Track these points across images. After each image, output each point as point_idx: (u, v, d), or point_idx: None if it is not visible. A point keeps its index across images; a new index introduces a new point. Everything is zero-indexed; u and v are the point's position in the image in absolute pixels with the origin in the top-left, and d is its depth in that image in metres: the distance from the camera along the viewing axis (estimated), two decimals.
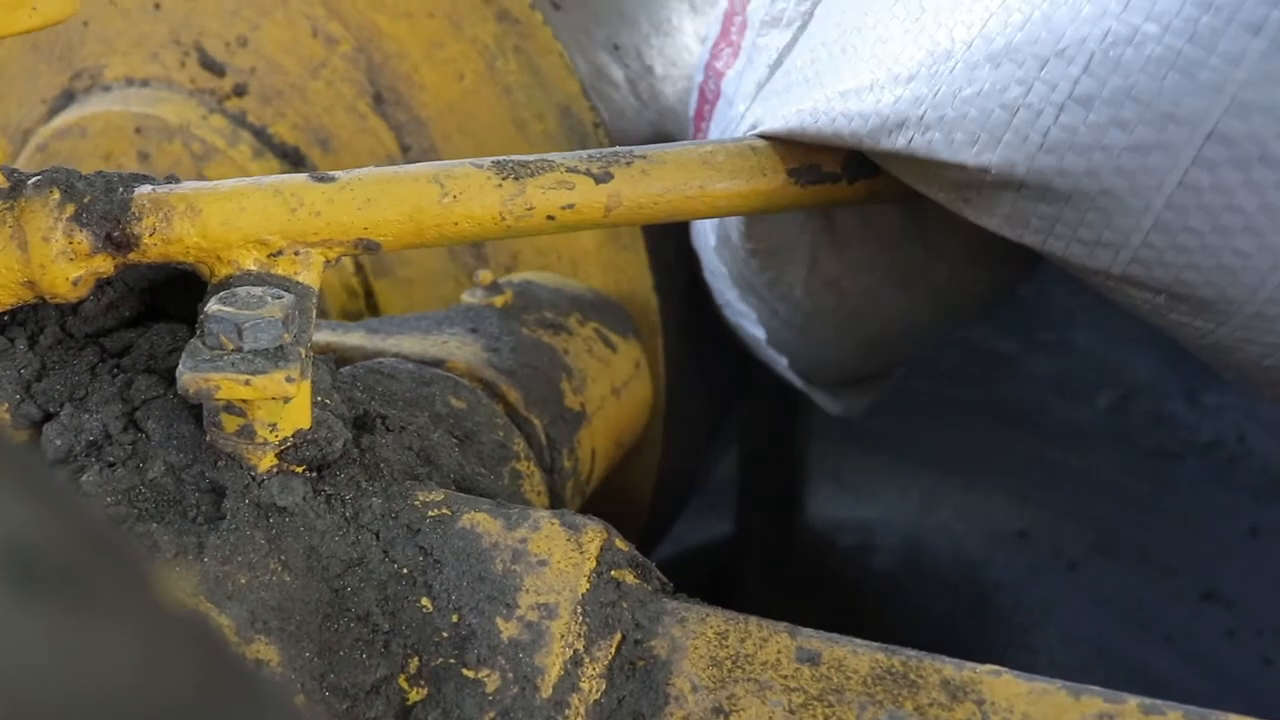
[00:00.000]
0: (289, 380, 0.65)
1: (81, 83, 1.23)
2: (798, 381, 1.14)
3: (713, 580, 1.62)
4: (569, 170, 0.79)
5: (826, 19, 0.92)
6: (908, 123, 0.79)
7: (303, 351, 0.67)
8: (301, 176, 0.76)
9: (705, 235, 1.07)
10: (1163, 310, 0.80)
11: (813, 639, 0.68)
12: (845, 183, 0.87)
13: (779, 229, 0.99)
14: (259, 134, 1.18)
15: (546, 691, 0.66)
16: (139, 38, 1.20)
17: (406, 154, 1.16)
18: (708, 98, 1.07)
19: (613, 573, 0.69)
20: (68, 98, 1.24)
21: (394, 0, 1.11)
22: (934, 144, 0.78)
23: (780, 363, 1.11)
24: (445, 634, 0.67)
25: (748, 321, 1.08)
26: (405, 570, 0.69)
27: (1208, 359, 0.84)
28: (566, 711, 0.66)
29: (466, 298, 1.03)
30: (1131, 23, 0.72)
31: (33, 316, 0.75)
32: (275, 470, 0.69)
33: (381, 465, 0.72)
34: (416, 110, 1.14)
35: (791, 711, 0.65)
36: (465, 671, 0.66)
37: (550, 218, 0.79)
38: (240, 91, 1.18)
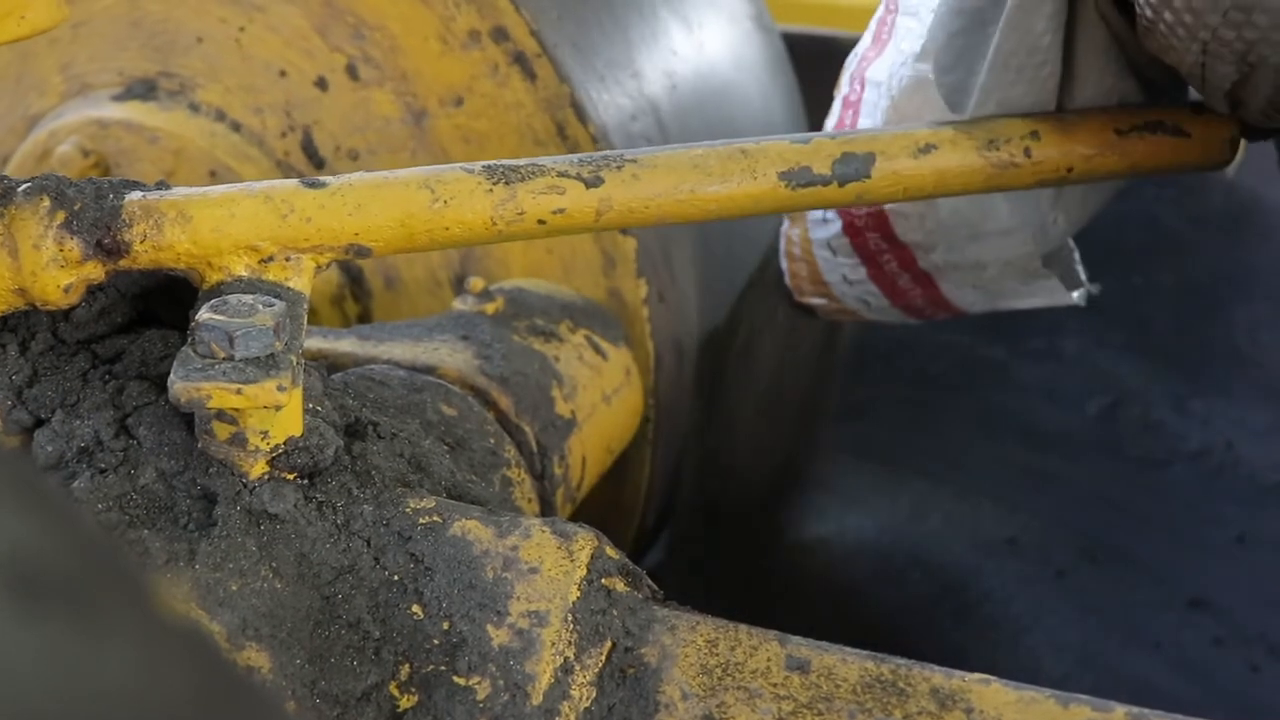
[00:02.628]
0: (280, 389, 0.65)
1: (170, 83, 1.21)
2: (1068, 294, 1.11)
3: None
4: (559, 175, 0.79)
5: None
6: None
7: (294, 359, 0.67)
8: (292, 182, 0.76)
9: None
10: None
11: (802, 647, 0.68)
12: (836, 185, 0.87)
13: None
14: None
15: (537, 699, 0.66)
16: (251, 88, 1.18)
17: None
18: (850, 101, 1.06)
19: (603, 580, 0.70)
20: (149, 87, 1.21)
21: None
22: None
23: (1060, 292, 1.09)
24: (436, 641, 0.67)
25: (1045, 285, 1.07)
26: (396, 577, 0.69)
27: None
28: (557, 719, 0.66)
29: (458, 304, 1.03)
30: None
31: (24, 322, 0.75)
32: (267, 477, 0.69)
33: (373, 472, 0.73)
34: None
35: (781, 719, 0.65)
36: (456, 679, 0.66)
37: (541, 222, 0.79)
38: None
